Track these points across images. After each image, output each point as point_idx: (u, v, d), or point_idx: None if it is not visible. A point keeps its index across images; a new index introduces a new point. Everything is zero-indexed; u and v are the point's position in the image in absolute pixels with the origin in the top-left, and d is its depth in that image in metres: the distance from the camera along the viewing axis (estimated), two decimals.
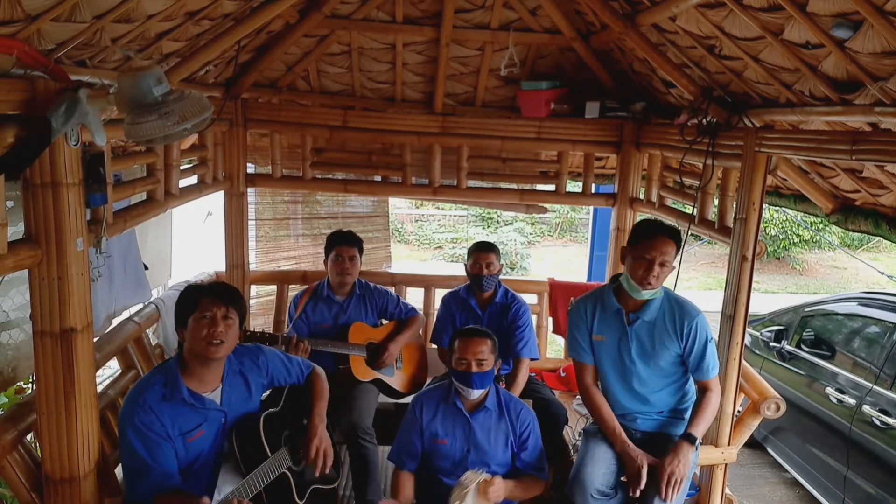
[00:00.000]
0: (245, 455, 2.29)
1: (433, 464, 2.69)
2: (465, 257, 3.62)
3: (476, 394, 2.64)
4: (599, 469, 2.63)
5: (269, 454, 2.32)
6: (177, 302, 2.34)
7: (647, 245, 2.59)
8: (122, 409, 2.26)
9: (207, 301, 2.26)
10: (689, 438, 2.59)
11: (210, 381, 2.33)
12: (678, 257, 2.71)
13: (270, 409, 2.48)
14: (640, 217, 4.41)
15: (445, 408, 2.71)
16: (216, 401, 2.33)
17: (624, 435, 2.68)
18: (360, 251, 3.54)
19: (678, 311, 2.69)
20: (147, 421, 2.16)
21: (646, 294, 2.65)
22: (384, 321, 3.65)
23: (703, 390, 2.72)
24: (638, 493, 2.55)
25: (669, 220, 3.69)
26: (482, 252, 3.52)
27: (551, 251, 15.02)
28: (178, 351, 2.36)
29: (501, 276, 3.62)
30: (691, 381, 2.82)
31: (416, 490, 2.72)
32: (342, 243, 3.49)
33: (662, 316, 2.69)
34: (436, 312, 3.87)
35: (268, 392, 2.58)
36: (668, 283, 2.85)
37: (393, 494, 2.69)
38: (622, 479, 2.69)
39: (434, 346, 3.76)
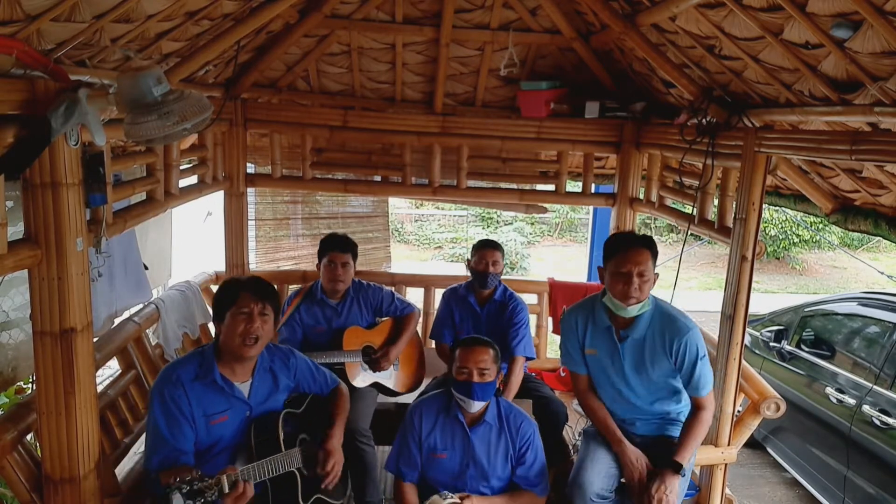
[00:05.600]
0: (259, 445, 2.35)
1: (431, 476, 2.64)
2: (469, 254, 3.61)
3: (477, 406, 2.56)
4: (599, 472, 2.62)
5: (283, 450, 2.36)
6: (216, 295, 2.44)
7: (621, 259, 2.53)
8: (155, 380, 2.37)
9: (246, 296, 2.35)
10: (675, 467, 2.52)
11: (241, 373, 2.43)
12: (655, 266, 2.62)
13: (292, 410, 2.53)
14: (639, 217, 4.43)
15: (445, 420, 2.64)
16: (244, 392, 2.41)
17: (621, 435, 2.67)
18: (354, 256, 3.48)
19: (668, 328, 2.59)
20: (175, 395, 2.28)
21: (632, 310, 2.57)
22: (379, 319, 3.63)
23: (695, 408, 2.64)
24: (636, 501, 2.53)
25: (669, 220, 3.70)
26: (488, 249, 3.51)
27: (551, 251, 15.02)
28: (215, 339, 2.44)
29: (502, 276, 3.61)
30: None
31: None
32: (335, 249, 3.42)
33: (652, 333, 2.61)
34: (436, 310, 3.86)
35: (292, 398, 2.61)
36: (669, 282, 2.84)
37: None
38: (622, 480, 2.69)
39: (433, 345, 3.76)
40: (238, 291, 2.37)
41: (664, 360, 2.61)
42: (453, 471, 2.62)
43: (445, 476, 2.62)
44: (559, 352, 2.96)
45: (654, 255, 2.58)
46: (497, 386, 2.63)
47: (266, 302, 2.38)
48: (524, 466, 2.62)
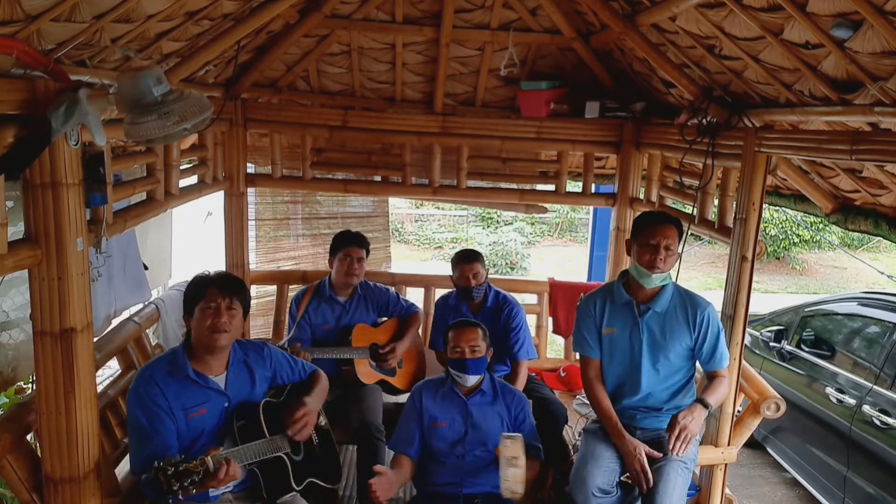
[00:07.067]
0: (241, 430, 2.37)
1: (431, 446, 2.77)
2: (450, 268, 3.59)
3: (471, 379, 2.79)
4: (600, 467, 2.63)
5: (267, 436, 2.38)
6: (185, 291, 2.45)
7: (651, 232, 2.71)
8: (130, 386, 2.37)
9: (213, 291, 2.37)
10: (704, 402, 2.65)
11: (215, 367, 2.44)
12: (680, 245, 2.78)
13: (272, 399, 2.54)
14: None
15: (444, 393, 2.84)
16: (220, 384, 2.42)
17: (622, 427, 2.70)
18: (367, 252, 3.55)
19: (689, 303, 2.76)
20: (151, 393, 2.29)
21: (656, 279, 2.70)
22: (383, 319, 3.65)
23: (713, 377, 2.76)
24: (646, 489, 2.54)
25: None
26: (466, 263, 3.49)
27: (551, 251, 15.02)
28: (185, 337, 2.46)
29: (500, 276, 3.61)
30: (692, 382, 2.82)
31: (415, 473, 2.79)
32: (351, 244, 3.48)
33: (674, 307, 2.75)
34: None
35: (272, 391, 2.61)
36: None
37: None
38: (622, 478, 2.69)
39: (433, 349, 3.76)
40: (206, 287, 2.39)
41: (685, 332, 2.72)
42: (453, 438, 2.76)
43: (446, 444, 2.76)
44: (562, 347, 2.99)
45: (681, 234, 2.77)
46: (488, 361, 2.84)
47: (233, 297, 2.40)
48: (524, 434, 2.74)
